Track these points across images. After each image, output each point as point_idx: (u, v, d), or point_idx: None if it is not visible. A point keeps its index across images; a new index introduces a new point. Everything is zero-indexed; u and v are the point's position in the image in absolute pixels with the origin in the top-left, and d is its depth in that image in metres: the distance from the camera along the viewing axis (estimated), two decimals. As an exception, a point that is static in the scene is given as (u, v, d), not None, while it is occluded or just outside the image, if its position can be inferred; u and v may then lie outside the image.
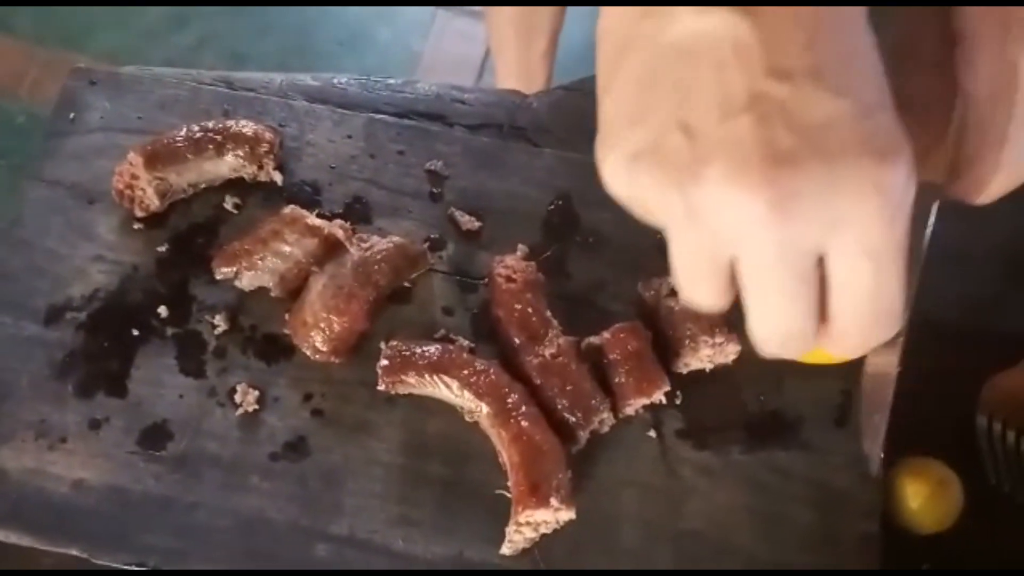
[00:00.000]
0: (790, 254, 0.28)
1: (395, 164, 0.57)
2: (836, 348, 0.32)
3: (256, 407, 0.49)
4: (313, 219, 0.50)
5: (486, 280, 0.53)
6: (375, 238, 0.51)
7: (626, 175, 0.30)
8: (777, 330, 0.31)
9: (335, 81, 0.60)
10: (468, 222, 0.56)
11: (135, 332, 0.50)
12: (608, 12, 0.31)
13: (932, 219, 0.39)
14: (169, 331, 0.51)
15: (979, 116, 0.34)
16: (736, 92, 0.27)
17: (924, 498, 0.49)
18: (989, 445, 0.52)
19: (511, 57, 1.10)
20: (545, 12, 1.01)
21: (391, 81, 0.61)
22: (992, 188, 0.35)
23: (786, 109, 0.27)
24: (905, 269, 0.30)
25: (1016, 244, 0.58)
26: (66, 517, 0.46)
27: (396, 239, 0.51)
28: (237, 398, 0.49)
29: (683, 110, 0.28)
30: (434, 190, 0.56)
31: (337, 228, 0.50)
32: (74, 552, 0.45)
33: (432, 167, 0.57)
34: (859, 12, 0.29)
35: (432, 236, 0.55)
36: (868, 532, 0.48)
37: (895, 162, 0.27)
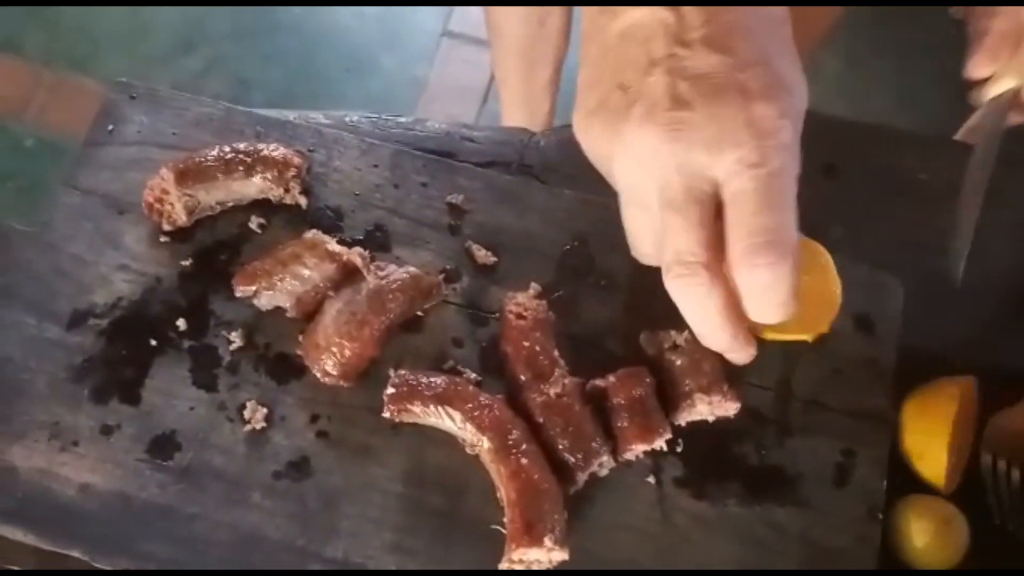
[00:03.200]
0: (686, 172, 0.39)
1: (418, 195, 0.58)
2: (741, 281, 0.40)
3: (263, 424, 0.50)
4: (333, 245, 0.52)
5: (497, 315, 0.54)
6: (392, 267, 0.52)
7: (585, 128, 0.42)
8: (674, 248, 0.40)
9: (347, 119, 0.62)
10: (484, 256, 0.57)
11: (153, 342, 0.52)
12: (583, 10, 0.43)
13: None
14: (186, 343, 0.52)
15: None
16: (654, 56, 0.40)
17: (930, 536, 0.49)
18: (994, 484, 0.52)
19: (515, 86, 1.13)
20: (549, 42, 1.04)
21: (402, 119, 0.62)
22: None
23: (684, 65, 0.39)
24: (788, 194, 0.39)
25: (1017, 282, 0.58)
26: (70, 519, 0.47)
27: (412, 269, 0.53)
28: (246, 414, 0.50)
29: (621, 74, 0.40)
30: (453, 223, 0.58)
31: (356, 255, 0.51)
32: (75, 554, 0.46)
33: (453, 200, 0.58)
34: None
35: (448, 268, 0.56)
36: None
37: (763, 101, 0.38)
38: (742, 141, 0.38)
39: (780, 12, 0.41)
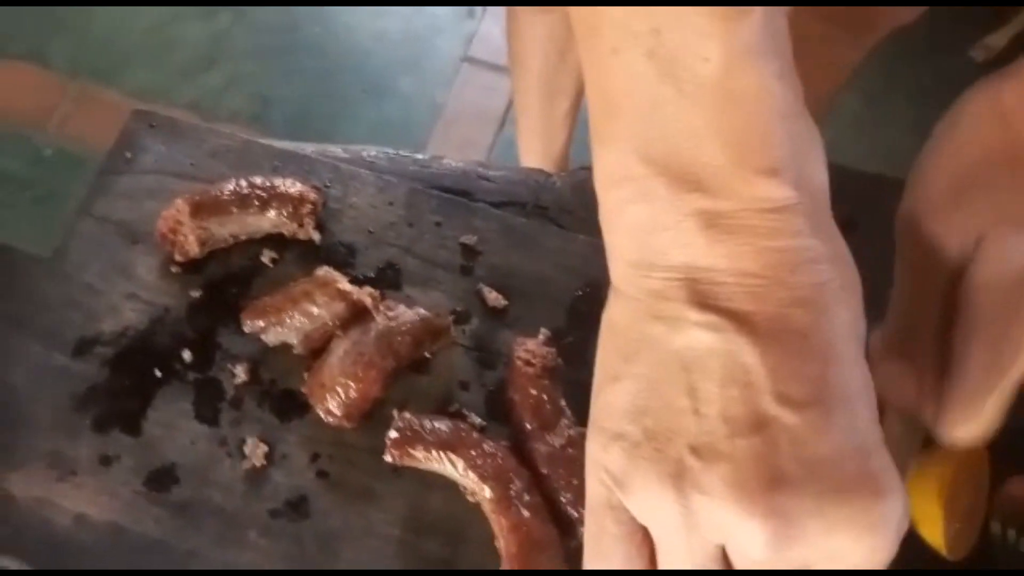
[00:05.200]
0: (778, 564, 0.29)
1: (431, 235, 0.58)
2: None
3: (264, 462, 0.50)
4: (344, 284, 0.51)
5: (505, 359, 0.54)
6: (402, 308, 0.52)
7: (624, 461, 0.30)
8: None
9: (365, 154, 0.62)
10: (495, 299, 0.56)
11: (158, 373, 0.52)
12: (617, 305, 0.33)
13: None
14: (190, 376, 0.52)
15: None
16: (742, 412, 0.29)
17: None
18: (1004, 553, 0.51)
19: (534, 116, 1.13)
20: (569, 75, 1.04)
21: (419, 156, 0.62)
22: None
23: (795, 438, 0.28)
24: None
25: None
26: (64, 550, 0.46)
27: (422, 312, 0.52)
28: (246, 450, 0.50)
29: (689, 417, 0.29)
30: (466, 264, 0.57)
31: (366, 295, 0.51)
32: (68, 587, 0.46)
33: (467, 241, 0.58)
34: (856, 338, 0.30)
35: (458, 309, 0.56)
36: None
37: (891, 502, 0.29)
38: (860, 554, 0.29)
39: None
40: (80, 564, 0.46)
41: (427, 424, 0.49)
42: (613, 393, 0.32)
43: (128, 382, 0.51)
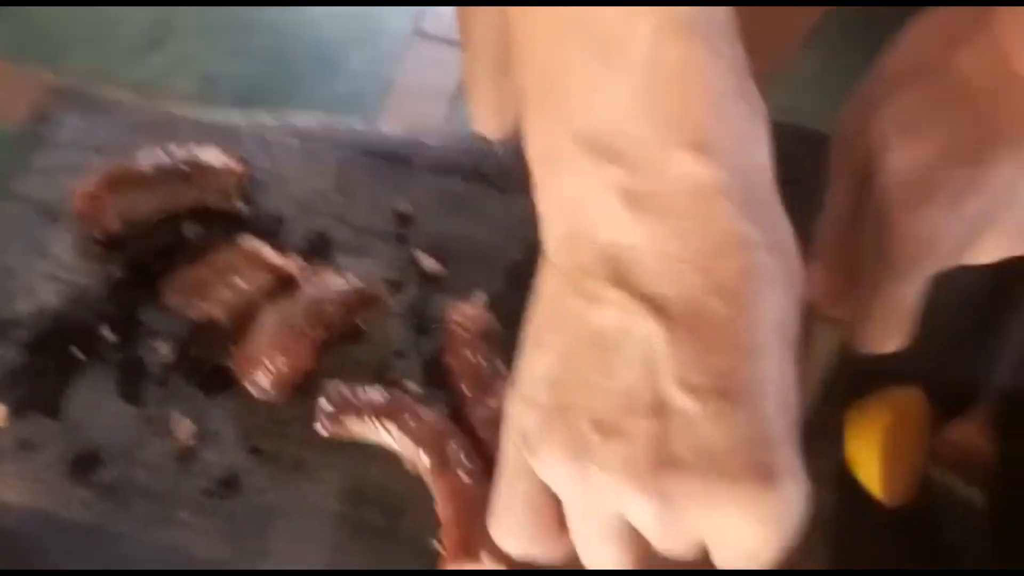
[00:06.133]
0: (671, 538, 0.30)
1: (363, 203, 0.56)
2: None
3: (193, 440, 0.48)
4: (269, 253, 0.50)
5: (441, 325, 0.53)
6: (331, 276, 0.51)
7: (535, 428, 0.31)
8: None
9: (296, 123, 0.60)
10: (431, 266, 0.55)
11: (79, 354, 0.50)
12: (545, 274, 0.32)
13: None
14: (113, 356, 0.50)
15: None
16: (644, 394, 0.29)
17: None
18: (945, 500, 0.51)
19: (485, 91, 1.11)
20: None
21: (354, 124, 0.61)
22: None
23: (690, 424, 0.28)
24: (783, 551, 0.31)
25: (969, 290, 0.57)
26: (-13, 539, 0.45)
27: (353, 280, 0.51)
28: (174, 429, 0.49)
29: (596, 394, 0.29)
30: (400, 231, 0.56)
31: (292, 264, 0.50)
32: (-10, 576, 0.44)
33: (401, 208, 0.57)
34: (779, 329, 0.29)
35: (393, 277, 0.54)
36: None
37: (783, 494, 0.29)
38: (744, 538, 0.29)
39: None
40: (4, 552, 0.45)
41: (359, 392, 0.49)
42: (532, 360, 0.32)
43: (48, 364, 0.49)
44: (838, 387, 0.51)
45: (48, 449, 0.47)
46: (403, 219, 0.56)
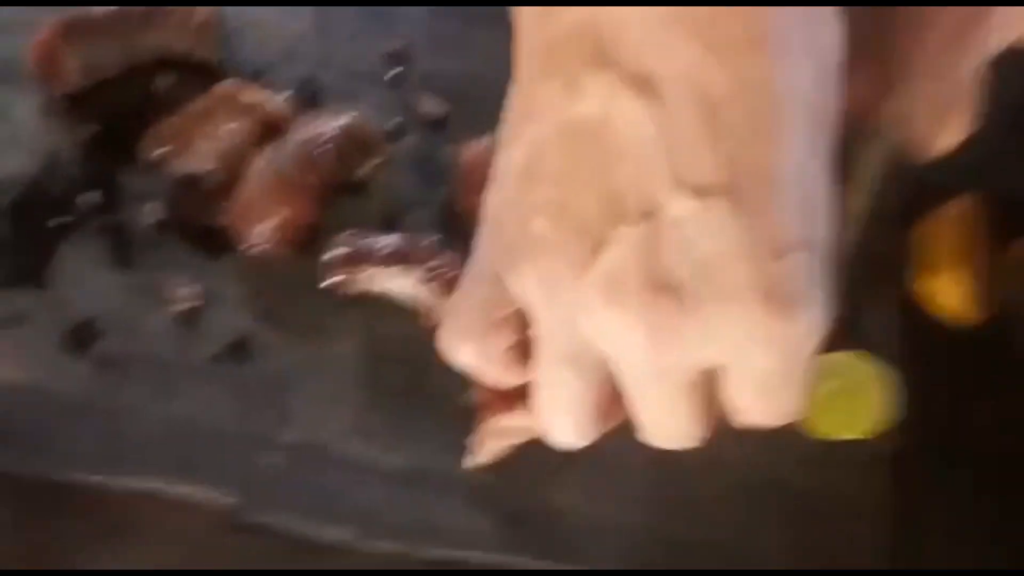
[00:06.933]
0: (667, 376, 0.25)
1: (350, 44, 0.52)
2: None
3: (193, 305, 0.45)
4: (248, 94, 0.45)
5: (451, 172, 0.48)
6: (320, 119, 0.46)
7: (509, 233, 0.26)
8: (664, 434, 0.28)
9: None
10: (432, 108, 0.51)
11: (58, 223, 0.45)
12: (521, 59, 0.27)
13: None
14: (96, 222, 0.46)
15: None
16: (631, 195, 0.24)
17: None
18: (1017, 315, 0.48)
19: None
20: None
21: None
22: None
23: (685, 231, 0.23)
24: (800, 386, 0.26)
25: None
26: (-19, 420, 0.41)
27: (345, 120, 0.46)
28: (172, 295, 0.45)
29: (574, 196, 0.24)
30: (394, 73, 0.51)
31: (275, 105, 0.45)
32: (-9, 458, 0.41)
33: (392, 48, 0.52)
34: (803, 107, 0.24)
35: (391, 125, 0.50)
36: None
37: (793, 315, 0.23)
38: (752, 364, 0.25)
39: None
40: (3, 431, 0.41)
41: (372, 240, 0.45)
42: (509, 158, 0.27)
43: (26, 235, 0.45)
44: (895, 207, 0.47)
45: (39, 322, 0.43)
46: (395, 59, 0.52)
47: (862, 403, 0.44)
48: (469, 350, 0.28)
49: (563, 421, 0.28)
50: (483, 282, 0.27)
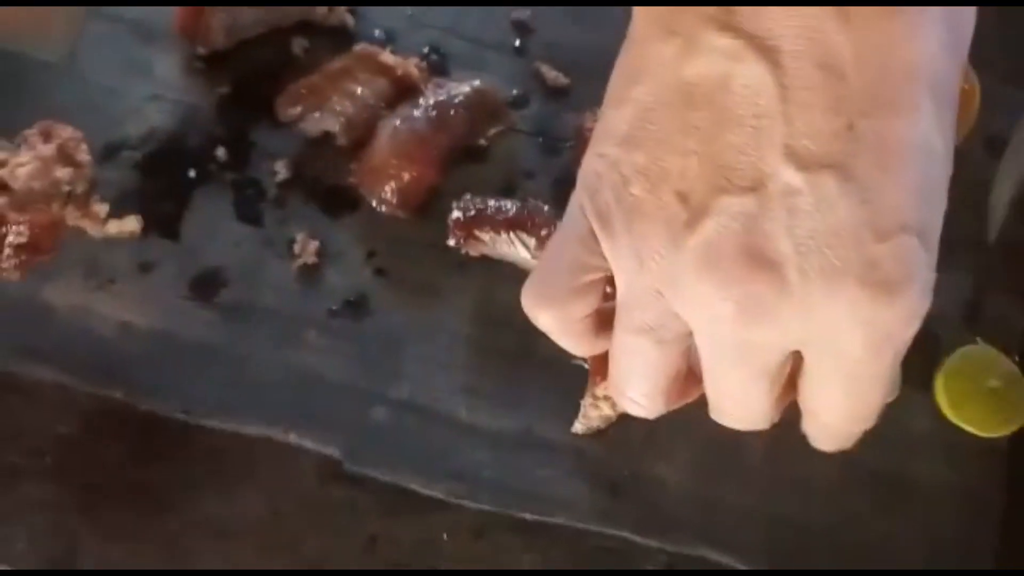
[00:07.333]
0: (752, 355, 0.24)
1: (478, 12, 0.52)
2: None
3: (316, 260, 0.45)
4: (386, 56, 0.46)
5: (572, 142, 0.48)
6: (452, 83, 0.46)
7: (606, 195, 0.25)
8: (737, 414, 0.27)
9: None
10: (555, 78, 0.50)
11: (192, 174, 0.47)
12: (636, 16, 0.25)
13: None
14: (227, 176, 0.47)
15: None
16: (739, 164, 0.22)
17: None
18: None
19: None
20: None
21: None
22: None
23: (792, 205, 0.22)
24: (884, 387, 0.25)
25: None
26: (111, 359, 0.43)
27: (476, 84, 0.46)
28: (296, 249, 0.46)
29: (682, 160, 0.23)
30: (519, 42, 0.51)
31: (412, 67, 0.45)
32: (116, 395, 0.42)
33: (518, 17, 0.52)
34: (927, 77, 0.22)
35: (515, 92, 0.50)
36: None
37: (894, 301, 0.22)
38: (847, 352, 0.24)
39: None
40: (127, 373, 0.43)
41: (493, 203, 0.44)
42: (613, 119, 0.25)
43: (161, 185, 0.47)
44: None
45: (168, 270, 0.45)
46: (522, 28, 0.51)
47: (1013, 401, 0.42)
48: (549, 315, 0.27)
49: (635, 391, 0.27)
50: (572, 245, 0.26)
